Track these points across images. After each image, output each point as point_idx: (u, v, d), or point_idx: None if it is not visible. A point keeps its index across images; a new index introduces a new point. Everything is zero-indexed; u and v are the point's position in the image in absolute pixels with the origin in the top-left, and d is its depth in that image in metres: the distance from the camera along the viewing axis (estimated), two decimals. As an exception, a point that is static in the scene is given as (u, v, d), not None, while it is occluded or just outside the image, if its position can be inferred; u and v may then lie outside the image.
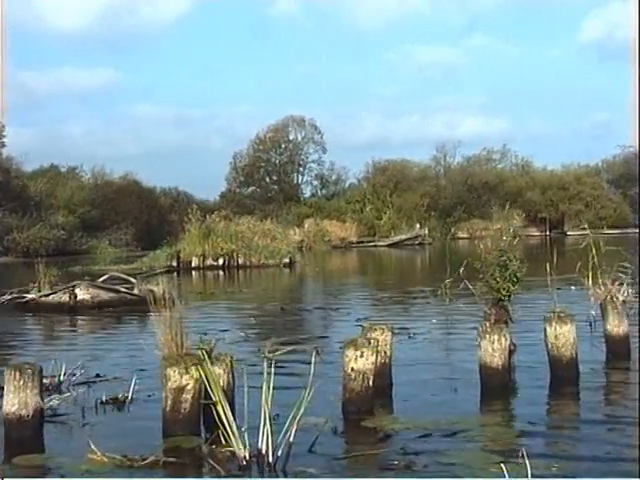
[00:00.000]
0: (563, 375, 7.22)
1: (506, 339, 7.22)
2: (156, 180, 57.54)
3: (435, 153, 62.17)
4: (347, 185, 61.44)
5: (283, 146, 59.05)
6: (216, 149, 70.32)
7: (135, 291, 15.31)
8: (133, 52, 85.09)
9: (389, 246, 46.14)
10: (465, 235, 54.33)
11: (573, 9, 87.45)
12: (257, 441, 4.81)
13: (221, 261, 27.91)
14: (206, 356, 5.12)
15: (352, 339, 6.30)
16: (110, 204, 50.07)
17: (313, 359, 4.86)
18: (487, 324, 6.92)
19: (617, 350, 8.26)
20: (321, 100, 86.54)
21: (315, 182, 60.61)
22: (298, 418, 4.84)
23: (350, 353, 6.20)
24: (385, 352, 7.06)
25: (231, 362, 6.11)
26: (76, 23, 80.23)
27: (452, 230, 55.07)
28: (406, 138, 78.41)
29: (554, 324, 7.23)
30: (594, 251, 8.50)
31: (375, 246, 46.65)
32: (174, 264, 27.78)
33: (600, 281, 8.49)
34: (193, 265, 27.84)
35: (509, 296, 7.53)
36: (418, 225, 50.22)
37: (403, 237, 47.66)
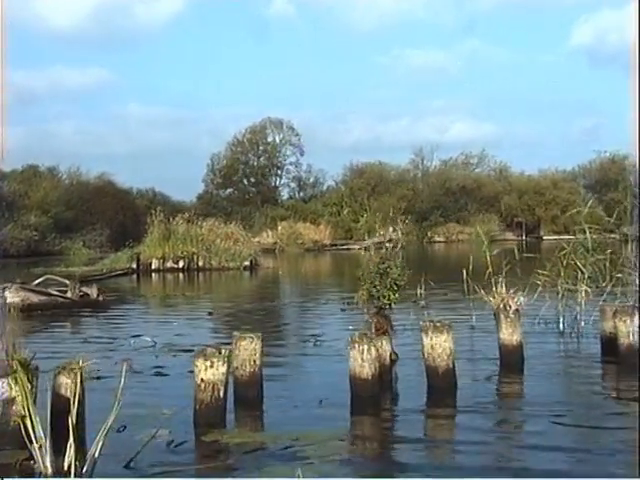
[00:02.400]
0: (440, 386, 7.04)
1: (378, 349, 7.06)
2: (140, 181, 57.26)
3: (413, 157, 62.11)
4: (325, 188, 61.34)
5: (261, 148, 58.85)
6: (207, 151, 69.94)
7: (68, 294, 15.05)
8: (125, 51, 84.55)
9: (362, 249, 45.97)
10: (441, 239, 54.48)
11: (565, 15, 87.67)
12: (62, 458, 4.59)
13: (181, 264, 27.64)
14: (19, 367, 4.88)
15: (202, 348, 6.07)
16: (85, 205, 49.67)
17: (123, 372, 4.62)
18: (356, 334, 6.70)
19: (510, 360, 8.10)
20: (311, 102, 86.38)
21: (292, 184, 60.44)
22: (104, 432, 4.62)
23: (199, 363, 5.99)
24: (254, 361, 6.84)
25: (81, 372, 5.88)
26: (68, 22, 79.53)
27: (429, 234, 55.12)
28: (395, 142, 78.30)
29: (430, 333, 7.04)
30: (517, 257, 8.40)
31: (348, 249, 46.45)
32: (134, 266, 27.46)
33: (494, 289, 8.34)
34: (153, 267, 27.54)
35: (390, 304, 7.33)
36: (391, 228, 50.05)
37: (376, 240, 47.35)
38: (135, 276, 26.32)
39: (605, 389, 7.27)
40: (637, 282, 9.64)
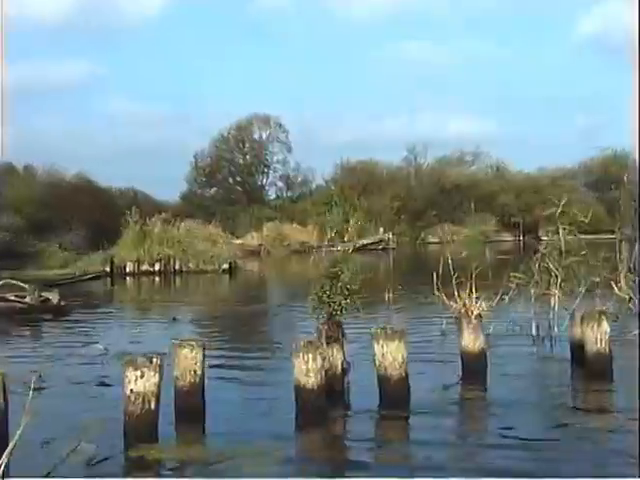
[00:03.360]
0: (392, 395, 6.99)
1: (326, 358, 7.03)
2: (123, 179, 56.93)
3: (406, 154, 62.04)
4: (314, 187, 61.18)
5: (247, 145, 58.64)
6: (194, 149, 69.25)
7: (27, 299, 14.95)
8: (111, 45, 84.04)
9: (351, 251, 45.92)
10: (435, 240, 54.27)
11: (568, 7, 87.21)
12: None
13: (157, 266, 27.54)
14: None
15: (131, 358, 6.00)
16: (61, 204, 49.44)
17: (31, 390, 4.54)
18: (302, 342, 6.65)
19: (471, 367, 8.07)
20: (302, 98, 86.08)
21: (280, 183, 60.26)
22: (10, 449, 4.54)
23: (129, 373, 5.93)
24: (195, 371, 6.78)
25: (3, 380, 5.79)
26: (52, 13, 79.00)
27: (422, 234, 55.02)
28: (389, 139, 78.12)
29: (381, 341, 7.00)
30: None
31: (337, 251, 46.42)
32: (108, 269, 27.36)
33: (456, 294, 8.31)
34: (127, 270, 27.43)
35: (341, 310, 7.27)
36: (382, 229, 50.11)
37: (366, 241, 47.48)
38: (109, 280, 26.24)
39: (565, 398, 7.24)
40: (637, 285, 9.64)
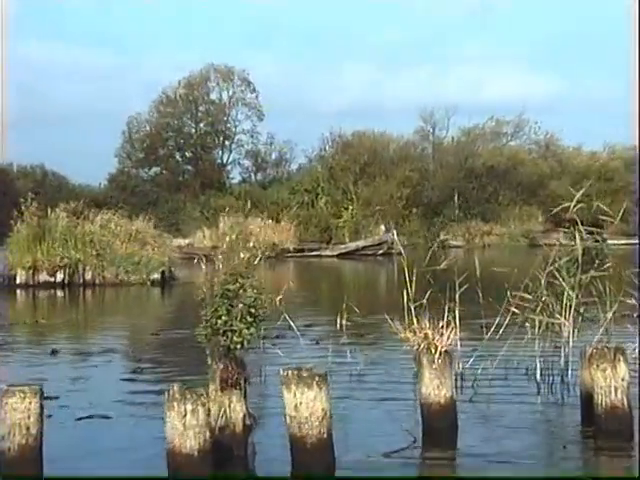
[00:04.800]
0: (308, 465, 6.94)
1: (218, 410, 6.97)
2: (30, 153, 57.00)
3: (421, 124, 61.97)
4: (295, 168, 61.39)
5: (202, 109, 58.57)
6: (128, 112, 68.49)
7: None
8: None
9: (340, 257, 45.99)
10: (459, 242, 54.21)
11: None
12: None
13: (60, 276, 27.44)
14: None
15: None
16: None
17: None
18: (175, 389, 6.57)
19: (433, 426, 8.03)
20: (282, 45, 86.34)
21: (246, 162, 60.28)
22: None
23: None
24: (28, 428, 6.71)
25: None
26: None
27: (441, 235, 54.74)
28: (401, 102, 78.36)
29: (293, 388, 6.93)
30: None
31: (320, 256, 46.50)
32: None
33: (415, 322, 8.29)
34: (19, 281, 27.33)
35: (242, 343, 7.21)
36: (383, 227, 50.12)
37: (361, 244, 47.53)
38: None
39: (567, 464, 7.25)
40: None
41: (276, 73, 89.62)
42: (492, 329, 10.60)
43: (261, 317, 7.31)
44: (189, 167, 59.13)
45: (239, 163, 60.73)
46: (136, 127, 58.11)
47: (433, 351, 8.05)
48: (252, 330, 7.25)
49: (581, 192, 10.78)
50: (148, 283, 27.50)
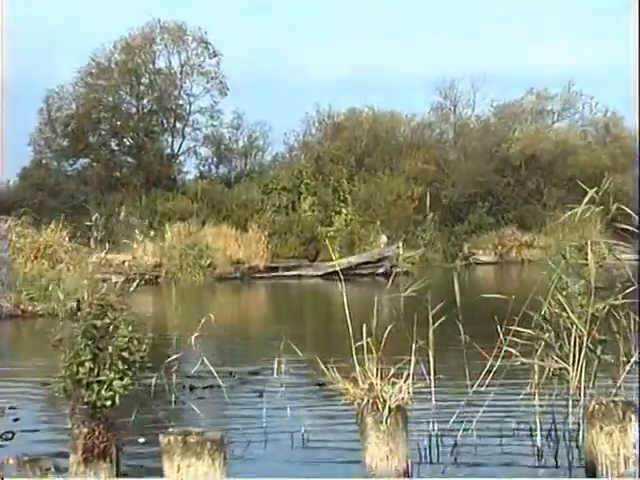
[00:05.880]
0: None
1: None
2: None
3: (438, 99, 61.86)
4: (269, 158, 61.42)
5: (144, 81, 58.19)
6: (47, 86, 68.06)
7: None
8: None
9: (326, 277, 45.77)
10: (489, 258, 53.92)
11: None
12: None
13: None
14: None
15: None
16: None
17: None
18: (10, 462, 6.31)
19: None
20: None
21: (204, 151, 60.10)
22: None
23: None
24: None
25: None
26: None
27: (465, 248, 54.38)
28: (413, 72, 78.26)
29: (177, 459, 6.72)
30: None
31: (300, 276, 46.42)
32: None
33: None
34: None
35: (113, 399, 7.02)
36: (385, 237, 50.03)
37: (354, 261, 47.33)
38: None
39: None
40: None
41: (243, 31, 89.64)
42: (481, 376, 10.41)
43: (139, 363, 7.12)
44: (128, 158, 58.71)
45: (195, 152, 60.50)
46: (57, 105, 57.44)
47: (380, 408, 7.90)
48: (126, 381, 7.11)
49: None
50: (61, 315, 27.26)
